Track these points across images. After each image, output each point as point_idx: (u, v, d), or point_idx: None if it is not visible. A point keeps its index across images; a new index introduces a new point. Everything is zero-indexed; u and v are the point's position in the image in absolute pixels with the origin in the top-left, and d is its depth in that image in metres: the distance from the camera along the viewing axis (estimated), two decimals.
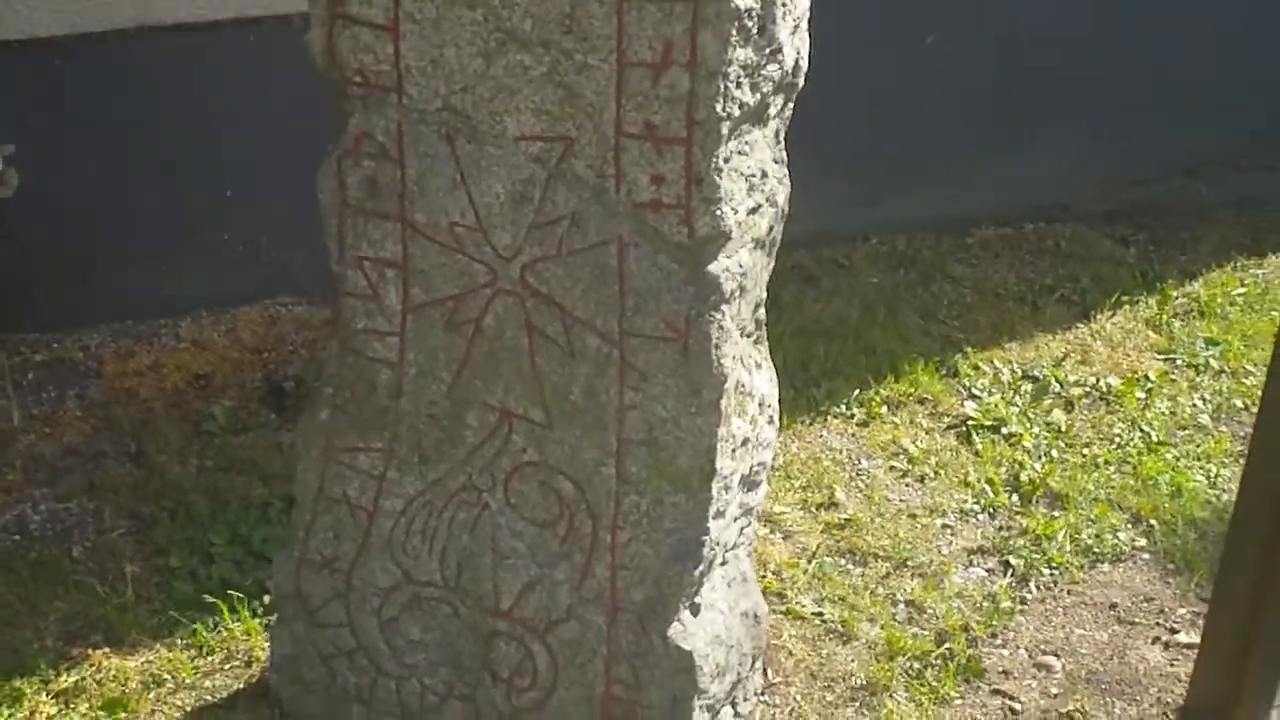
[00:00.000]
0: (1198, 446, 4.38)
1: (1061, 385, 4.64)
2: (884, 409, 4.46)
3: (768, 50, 2.49)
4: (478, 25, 2.50)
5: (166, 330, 4.59)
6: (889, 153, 5.38)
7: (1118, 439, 4.39)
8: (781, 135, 2.73)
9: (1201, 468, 4.27)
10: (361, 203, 2.70)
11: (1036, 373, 4.69)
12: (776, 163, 2.71)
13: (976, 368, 4.70)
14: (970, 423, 4.40)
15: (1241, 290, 5.33)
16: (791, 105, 2.72)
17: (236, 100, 4.56)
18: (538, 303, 2.65)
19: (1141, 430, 4.43)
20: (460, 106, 2.57)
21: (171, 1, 4.39)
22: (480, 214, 2.62)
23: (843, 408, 4.45)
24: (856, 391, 4.52)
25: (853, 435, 4.34)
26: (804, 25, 2.65)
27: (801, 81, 2.68)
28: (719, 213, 2.50)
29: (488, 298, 2.69)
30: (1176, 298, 5.25)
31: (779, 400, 2.92)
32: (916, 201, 5.52)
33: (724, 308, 2.59)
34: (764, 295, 2.81)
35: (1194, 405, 4.60)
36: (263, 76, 4.54)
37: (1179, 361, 4.85)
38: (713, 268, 2.55)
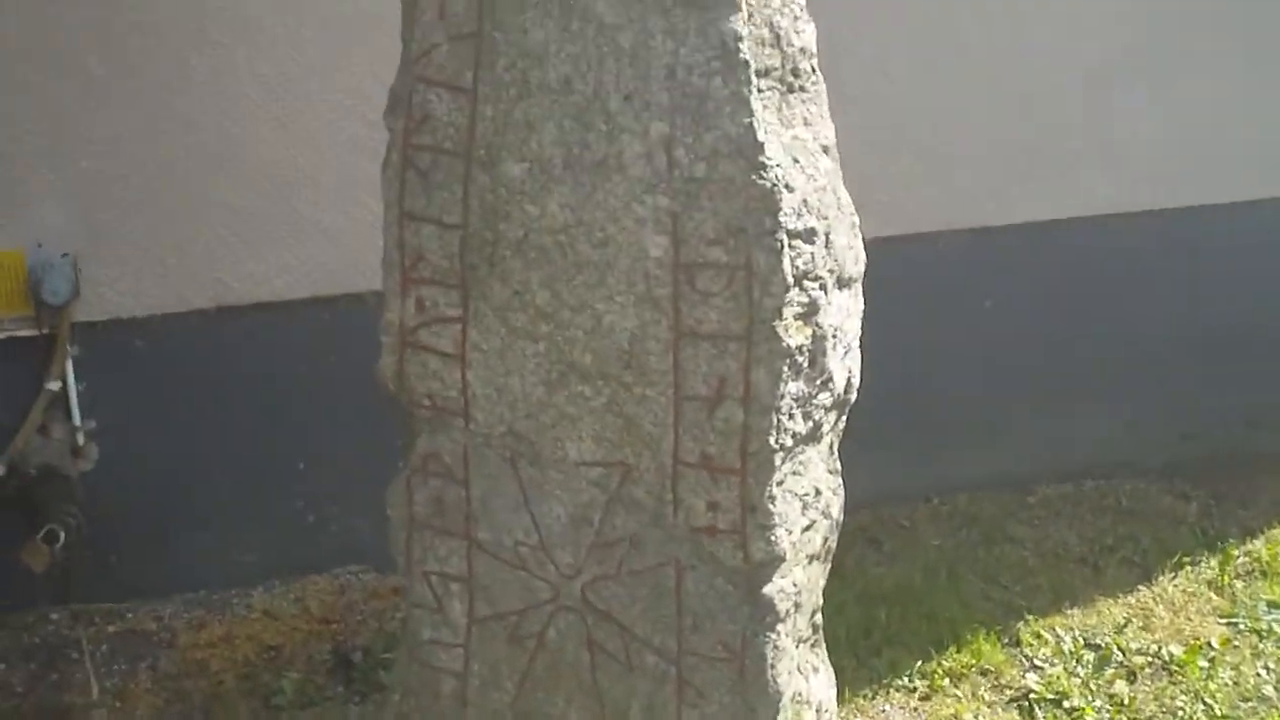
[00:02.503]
0: (1262, 719, 4.35)
1: (1124, 654, 4.62)
2: (946, 681, 4.45)
3: (819, 381, 2.59)
4: (540, 357, 2.61)
5: (238, 600, 4.68)
6: (949, 413, 5.47)
7: (1180, 712, 4.36)
8: (835, 447, 2.81)
9: None
10: (428, 520, 2.80)
11: (1099, 640, 4.68)
12: (831, 473, 2.78)
13: (1038, 635, 4.70)
14: (1032, 696, 4.38)
15: None
16: (845, 419, 2.80)
17: (310, 374, 4.70)
18: (598, 620, 2.72)
19: (1204, 703, 4.40)
20: (523, 432, 2.67)
21: (249, 282, 4.56)
22: (543, 534, 2.71)
23: (905, 679, 4.45)
24: (919, 662, 4.52)
25: (914, 709, 4.34)
26: (855, 345, 2.73)
27: (855, 397, 2.76)
28: (773, 537, 2.57)
29: (550, 613, 2.76)
30: (1238, 556, 5.25)
31: (840, 671, 2.93)
32: (977, 461, 5.58)
33: (779, 627, 2.65)
34: (820, 601, 2.86)
35: (1258, 674, 4.57)
36: (336, 351, 4.68)
37: (1241, 626, 4.83)
38: (768, 589, 2.61)
